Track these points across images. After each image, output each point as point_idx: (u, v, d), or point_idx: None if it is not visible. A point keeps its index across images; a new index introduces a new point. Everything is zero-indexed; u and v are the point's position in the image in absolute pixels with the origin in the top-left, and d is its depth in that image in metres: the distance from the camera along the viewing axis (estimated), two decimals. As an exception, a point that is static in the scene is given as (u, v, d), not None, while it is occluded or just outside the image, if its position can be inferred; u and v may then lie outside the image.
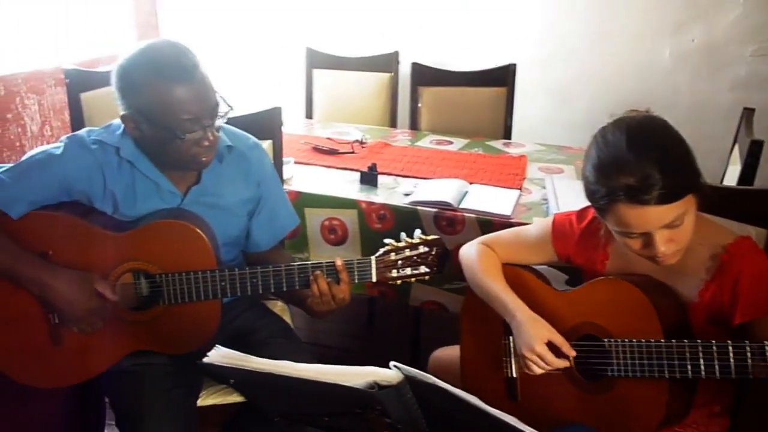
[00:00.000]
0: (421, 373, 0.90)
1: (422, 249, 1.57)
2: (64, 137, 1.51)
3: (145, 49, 1.41)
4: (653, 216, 1.19)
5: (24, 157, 1.49)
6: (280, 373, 0.87)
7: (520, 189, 2.24)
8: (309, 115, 3.37)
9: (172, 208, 1.54)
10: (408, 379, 0.90)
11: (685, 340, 1.24)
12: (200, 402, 1.62)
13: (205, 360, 0.91)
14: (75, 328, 1.47)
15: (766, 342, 1.15)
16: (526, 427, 0.84)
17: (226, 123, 1.53)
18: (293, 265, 1.50)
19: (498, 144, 2.81)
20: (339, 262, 1.49)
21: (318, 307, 1.51)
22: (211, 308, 1.53)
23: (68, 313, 1.43)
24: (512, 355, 1.52)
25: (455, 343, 1.80)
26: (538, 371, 1.38)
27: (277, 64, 3.73)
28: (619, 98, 3.17)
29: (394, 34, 3.38)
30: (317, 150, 2.58)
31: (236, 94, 1.58)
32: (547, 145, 2.80)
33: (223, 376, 0.97)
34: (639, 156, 1.18)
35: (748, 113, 2.27)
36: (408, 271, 1.58)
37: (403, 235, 1.58)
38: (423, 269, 1.58)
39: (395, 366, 0.90)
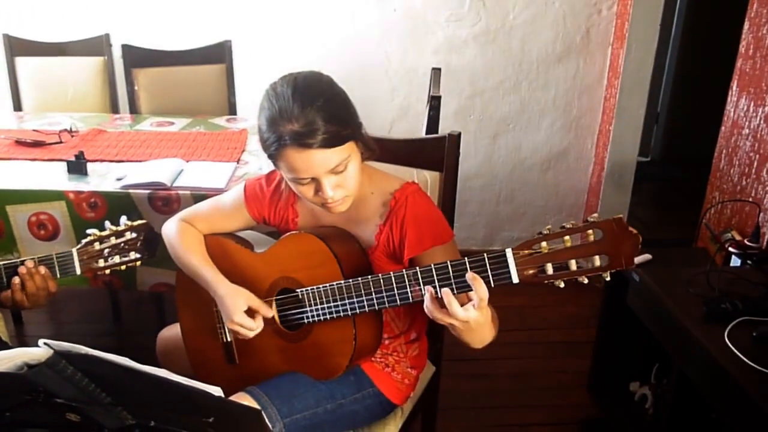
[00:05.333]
0: (74, 345, 0.91)
1: (129, 235, 1.56)
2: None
3: None
4: (318, 160, 1.30)
5: None
6: None
7: (238, 162, 2.29)
8: (18, 107, 3.10)
9: None
10: (61, 354, 0.90)
11: (359, 278, 1.34)
12: None
13: None
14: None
15: (419, 269, 1.25)
16: (175, 376, 0.89)
17: None
18: None
19: (221, 121, 2.83)
20: (30, 264, 1.46)
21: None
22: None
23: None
24: (225, 322, 1.58)
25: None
26: (249, 335, 1.46)
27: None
28: (336, 69, 3.30)
29: (104, 16, 3.21)
30: (20, 144, 2.40)
31: None
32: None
33: None
34: (303, 106, 1.28)
35: (435, 73, 2.52)
36: (117, 259, 1.56)
37: (107, 223, 1.56)
38: (133, 255, 1.58)
39: (45, 343, 0.90)
